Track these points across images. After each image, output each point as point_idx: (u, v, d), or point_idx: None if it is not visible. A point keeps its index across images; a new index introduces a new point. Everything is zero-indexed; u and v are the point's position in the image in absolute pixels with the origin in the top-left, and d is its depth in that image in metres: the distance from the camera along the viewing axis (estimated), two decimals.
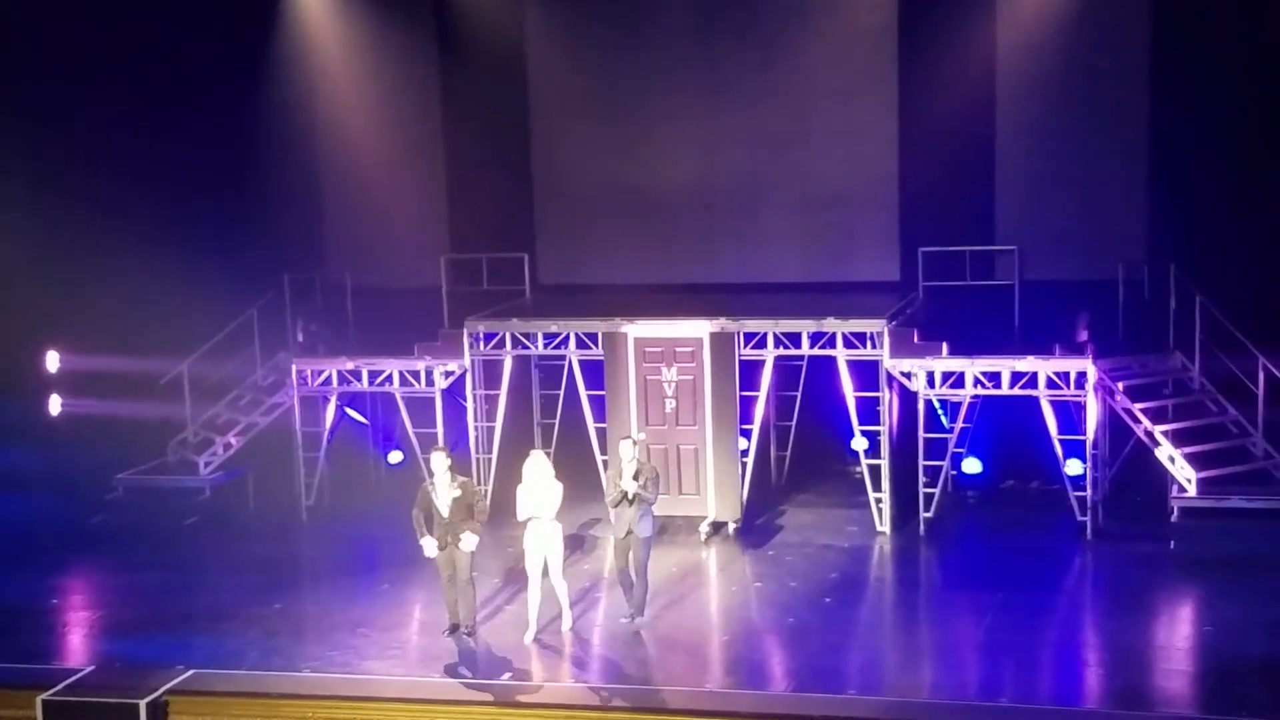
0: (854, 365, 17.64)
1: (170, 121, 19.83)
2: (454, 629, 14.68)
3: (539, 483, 14.51)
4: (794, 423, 19.92)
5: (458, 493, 14.39)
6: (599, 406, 18.27)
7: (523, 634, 14.64)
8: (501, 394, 18.53)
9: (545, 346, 18.43)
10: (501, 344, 18.49)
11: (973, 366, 17.34)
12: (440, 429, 18.70)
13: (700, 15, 20.72)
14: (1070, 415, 17.38)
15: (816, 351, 17.75)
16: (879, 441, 17.68)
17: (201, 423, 19.70)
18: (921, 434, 17.72)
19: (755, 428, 18.03)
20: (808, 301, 18.93)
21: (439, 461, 14.42)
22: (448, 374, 18.64)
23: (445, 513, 14.40)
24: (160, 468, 19.65)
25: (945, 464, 17.96)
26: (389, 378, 18.84)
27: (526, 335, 18.42)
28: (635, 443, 14.92)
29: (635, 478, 14.51)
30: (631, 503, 14.56)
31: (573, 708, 13.09)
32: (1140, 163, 19.35)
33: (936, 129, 19.57)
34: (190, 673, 13.71)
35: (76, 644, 15.19)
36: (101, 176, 19.52)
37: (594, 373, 18.29)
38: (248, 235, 20.63)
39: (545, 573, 14.62)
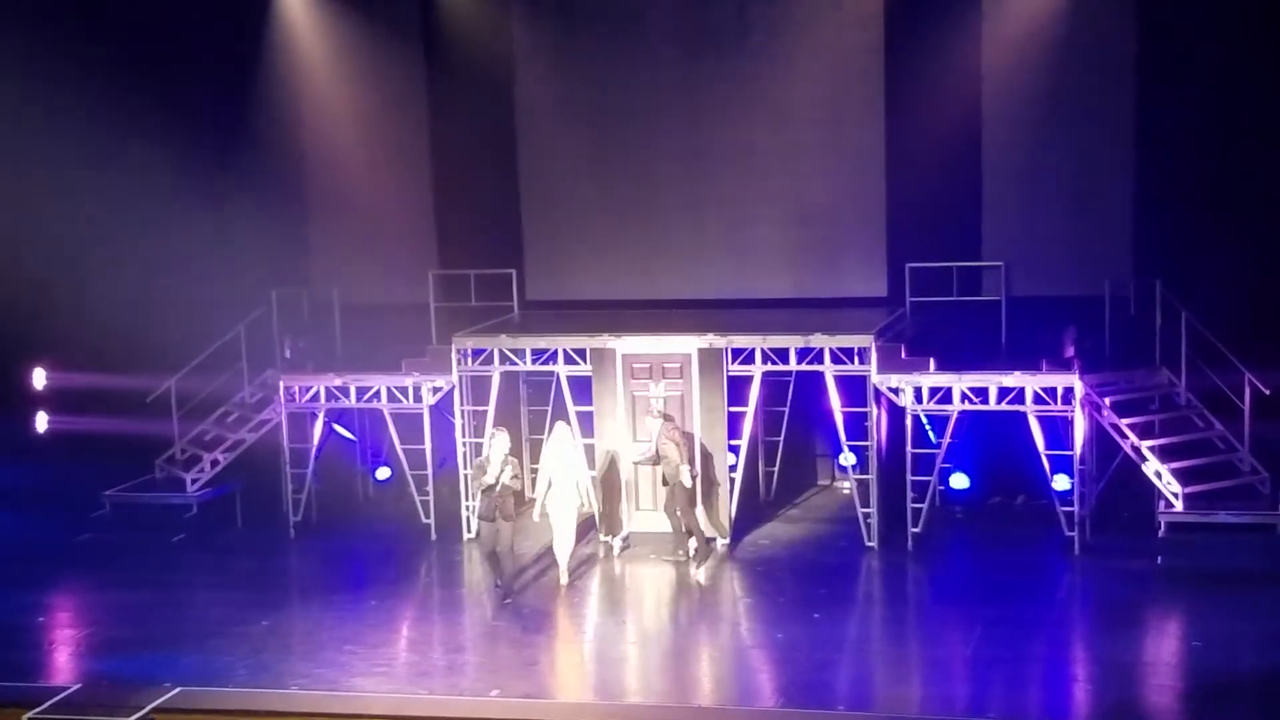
0: (842, 381, 17.67)
1: (157, 139, 19.83)
2: (505, 597, 16.17)
3: (560, 450, 16.56)
4: (782, 438, 19.94)
5: (509, 467, 16.14)
6: (587, 422, 18.27)
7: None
8: (490, 410, 18.49)
9: (533, 362, 18.42)
10: (489, 360, 18.49)
11: (960, 382, 17.38)
12: (428, 445, 18.70)
13: (687, 32, 20.74)
14: (1057, 430, 17.40)
15: (804, 367, 17.77)
16: (867, 457, 17.70)
17: (189, 439, 19.66)
18: (909, 449, 17.75)
19: (743, 443, 18.05)
20: (795, 317, 18.98)
21: (501, 442, 16.18)
22: (435, 390, 18.62)
23: (492, 480, 16.07)
24: (147, 485, 19.61)
25: (933, 479, 17.99)
26: (377, 394, 18.82)
27: (514, 351, 18.41)
28: (659, 417, 17.34)
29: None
30: (657, 462, 17.19)
31: None
32: (1126, 180, 19.41)
33: (923, 145, 19.63)
34: (177, 690, 13.67)
35: (63, 662, 15.13)
36: (87, 193, 19.53)
37: (582, 388, 18.29)
38: (235, 252, 20.62)
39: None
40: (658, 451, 17.22)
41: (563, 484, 16.72)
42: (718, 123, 20.72)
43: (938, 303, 19.36)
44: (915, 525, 17.75)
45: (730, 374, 17.80)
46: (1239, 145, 18.29)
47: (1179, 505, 16.85)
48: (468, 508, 18.52)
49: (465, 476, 18.56)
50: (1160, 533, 16.91)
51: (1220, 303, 17.62)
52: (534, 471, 20.24)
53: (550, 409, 20.04)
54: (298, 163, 22.05)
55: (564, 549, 16.76)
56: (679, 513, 17.26)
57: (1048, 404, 17.15)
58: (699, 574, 16.98)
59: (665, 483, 17.30)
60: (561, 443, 16.86)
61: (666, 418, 17.39)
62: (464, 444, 18.68)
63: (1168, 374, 17.95)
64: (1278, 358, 17.09)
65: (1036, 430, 17.31)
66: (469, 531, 18.51)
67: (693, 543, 17.42)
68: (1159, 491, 17.11)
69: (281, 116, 21.67)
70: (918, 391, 17.48)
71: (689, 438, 17.52)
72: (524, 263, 21.32)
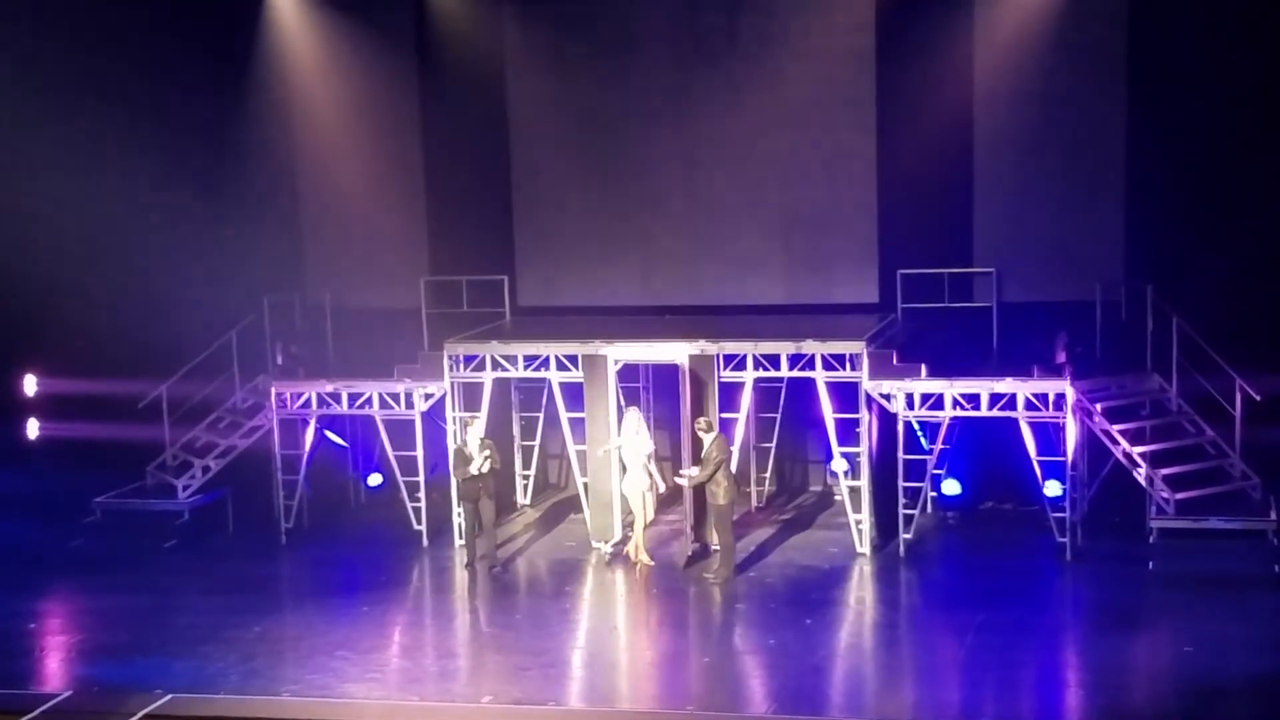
0: (833, 387, 17.67)
1: (149, 144, 19.78)
2: (470, 566, 17.64)
3: (629, 433, 17.33)
4: (774, 444, 19.95)
5: (487, 452, 17.48)
6: (579, 428, 18.27)
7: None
8: (481, 416, 18.48)
9: (525, 368, 18.42)
10: (481, 366, 18.47)
11: (951, 388, 17.39)
12: (420, 451, 18.69)
13: (679, 38, 20.73)
14: (1049, 436, 17.42)
15: (796, 373, 17.77)
16: (858, 463, 17.71)
17: (180, 446, 19.62)
18: (901, 455, 17.76)
19: (735, 449, 18.04)
20: (787, 323, 18.98)
21: (476, 429, 17.72)
22: (427, 396, 18.60)
23: (476, 470, 17.34)
24: (139, 491, 19.55)
25: (925, 485, 17.99)
26: (368, 400, 18.80)
27: (506, 357, 18.40)
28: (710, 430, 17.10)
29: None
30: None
31: None
32: (1117, 185, 19.44)
33: (915, 152, 19.62)
34: (169, 697, 13.67)
35: (54, 668, 15.11)
36: (78, 198, 19.47)
37: (574, 395, 18.30)
38: (227, 258, 20.58)
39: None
40: (715, 467, 16.82)
41: (633, 467, 17.28)
42: (709, 128, 20.72)
43: (929, 309, 19.37)
44: (907, 531, 17.77)
45: (722, 380, 17.80)
46: (1230, 150, 18.31)
47: (1170, 511, 16.86)
48: (458, 514, 18.53)
49: (456, 482, 18.59)
50: (1151, 538, 16.93)
51: (1211, 308, 17.64)
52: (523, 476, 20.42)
53: (542, 415, 20.06)
54: (290, 168, 22.02)
55: (639, 528, 17.39)
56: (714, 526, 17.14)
57: (1039, 410, 17.17)
58: (716, 580, 16.89)
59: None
60: (632, 427, 17.34)
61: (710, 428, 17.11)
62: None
63: (1159, 379, 17.98)
64: (1268, 363, 17.13)
65: (1028, 436, 17.33)
66: (460, 538, 18.52)
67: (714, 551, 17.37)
68: (1150, 497, 17.13)
69: (274, 122, 21.64)
70: (909, 397, 17.50)
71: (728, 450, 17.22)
72: (516, 268, 21.32)
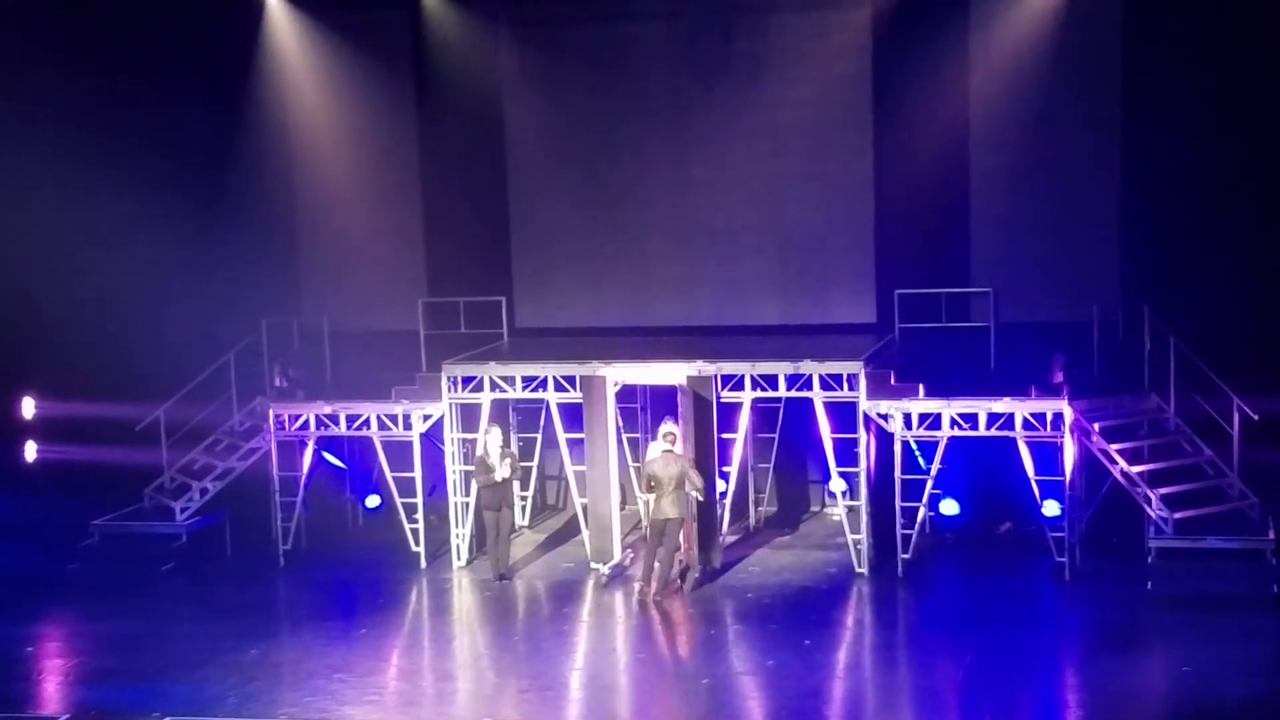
0: (831, 407, 17.69)
1: (146, 167, 19.80)
2: (501, 578, 17.76)
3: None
4: (772, 465, 19.95)
5: (509, 460, 17.86)
6: (577, 450, 18.28)
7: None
8: (479, 437, 18.49)
9: (523, 389, 18.43)
10: (479, 387, 18.48)
11: (949, 408, 17.40)
12: (418, 472, 18.69)
13: (676, 62, 20.81)
14: (1047, 456, 17.42)
15: (794, 394, 17.79)
16: (856, 483, 17.71)
17: (178, 468, 19.61)
18: (899, 475, 17.76)
19: (733, 470, 18.06)
20: (785, 344, 19.00)
21: (495, 437, 17.82)
22: (425, 418, 18.62)
23: (499, 478, 17.57)
24: (136, 514, 19.53)
25: (923, 505, 18.00)
26: (366, 422, 18.81)
27: (504, 378, 18.41)
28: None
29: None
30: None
31: None
32: (1113, 205, 19.49)
33: (911, 172, 19.69)
34: None
35: (51, 693, 15.06)
36: (76, 220, 19.47)
37: (572, 416, 18.30)
38: (225, 280, 20.59)
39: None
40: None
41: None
42: (706, 151, 20.78)
43: (926, 329, 19.37)
44: (905, 551, 17.76)
45: (720, 400, 17.81)
46: (1225, 170, 18.36)
47: (1168, 530, 16.86)
48: (458, 535, 18.53)
49: (455, 504, 18.60)
50: (1150, 559, 16.91)
51: (1208, 328, 17.66)
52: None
53: (540, 436, 20.07)
54: (287, 191, 22.07)
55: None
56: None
57: (1037, 430, 17.18)
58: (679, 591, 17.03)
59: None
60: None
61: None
62: (454, 471, 18.68)
63: (1156, 399, 17.98)
64: (1265, 383, 17.13)
65: (1026, 456, 17.33)
66: (459, 559, 18.52)
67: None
68: (1148, 517, 17.13)
69: (271, 144, 21.69)
70: (907, 417, 17.50)
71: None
72: (513, 290, 21.34)
